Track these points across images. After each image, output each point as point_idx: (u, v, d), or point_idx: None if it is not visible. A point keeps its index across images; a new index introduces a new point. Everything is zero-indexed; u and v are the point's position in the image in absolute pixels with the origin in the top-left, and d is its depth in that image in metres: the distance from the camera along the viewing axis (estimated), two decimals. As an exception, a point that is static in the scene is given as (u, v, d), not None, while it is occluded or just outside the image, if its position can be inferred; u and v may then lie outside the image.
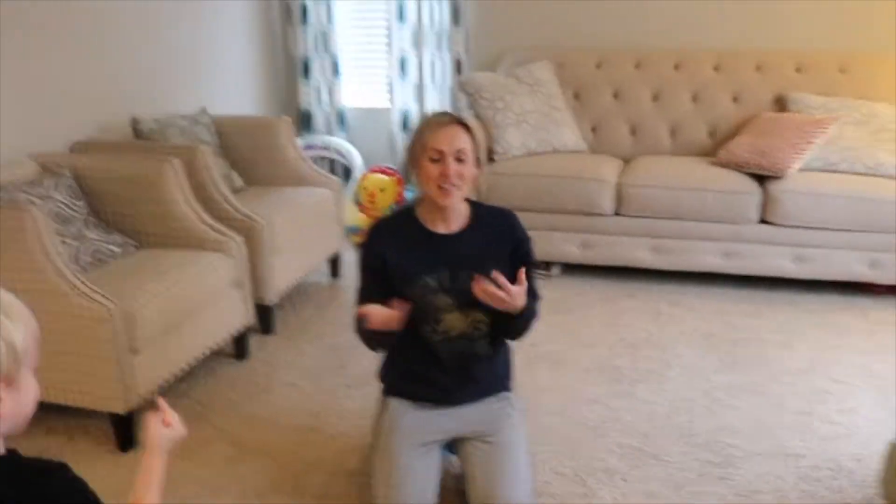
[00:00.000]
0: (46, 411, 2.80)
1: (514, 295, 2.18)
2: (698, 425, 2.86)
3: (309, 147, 5.01)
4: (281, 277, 3.65)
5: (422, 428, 2.39)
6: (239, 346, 3.44)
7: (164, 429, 1.57)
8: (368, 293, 2.38)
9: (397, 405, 2.45)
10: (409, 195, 4.98)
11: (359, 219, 4.67)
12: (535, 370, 3.28)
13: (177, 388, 3.20)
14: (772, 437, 2.78)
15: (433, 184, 2.24)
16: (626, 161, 4.33)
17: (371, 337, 2.28)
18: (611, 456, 2.70)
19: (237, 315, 3.33)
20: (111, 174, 3.27)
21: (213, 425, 2.96)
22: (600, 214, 4.04)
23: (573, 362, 3.35)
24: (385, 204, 4.57)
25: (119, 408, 2.74)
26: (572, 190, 4.01)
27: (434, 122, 2.28)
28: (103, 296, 2.68)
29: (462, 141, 2.24)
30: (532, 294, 2.45)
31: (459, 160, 2.23)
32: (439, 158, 2.22)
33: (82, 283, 2.69)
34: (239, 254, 3.29)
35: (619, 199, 4.00)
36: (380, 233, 2.38)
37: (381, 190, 4.56)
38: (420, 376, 2.42)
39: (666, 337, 3.56)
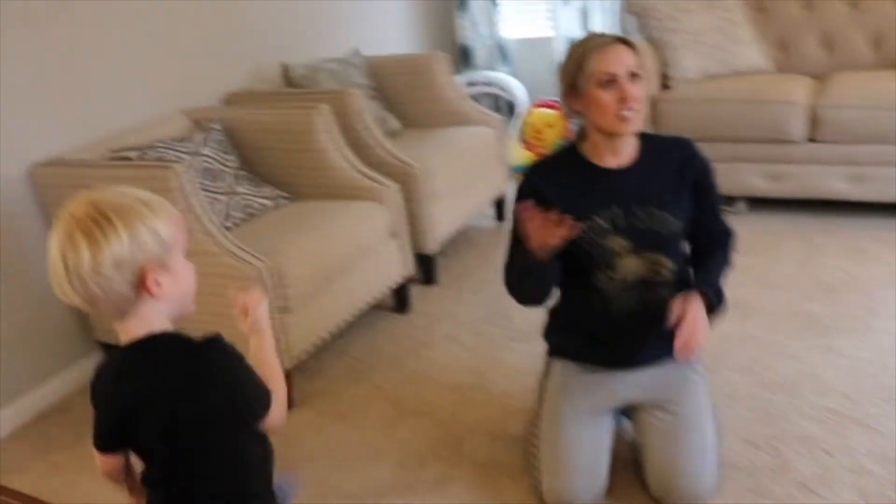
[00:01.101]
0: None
1: (694, 329, 1.95)
2: (916, 385, 2.47)
3: (470, 84, 4.77)
4: (441, 224, 3.48)
5: (592, 394, 2.17)
6: (399, 299, 3.31)
7: (257, 311, 1.61)
8: (518, 249, 2.16)
9: (564, 368, 2.24)
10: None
11: (525, 157, 4.41)
12: (720, 321, 2.95)
13: (335, 345, 3.12)
14: None
15: (611, 113, 1.97)
16: (819, 79, 3.83)
17: (522, 279, 2.08)
18: (808, 421, 2.37)
19: (395, 266, 3.19)
20: (260, 125, 3.18)
21: (373, 383, 2.85)
22: (791, 142, 3.59)
23: (761, 309, 3.00)
24: (553, 140, 4.29)
25: (277, 369, 2.67)
26: (758, 115, 3.58)
27: (594, 44, 1.99)
28: (252, 254, 2.59)
29: (631, 58, 1.97)
30: (723, 238, 2.20)
31: (634, 80, 1.96)
32: (612, 82, 1.95)
33: (230, 241, 2.61)
34: (395, 201, 3.13)
35: (813, 123, 3.54)
36: (537, 174, 2.14)
37: (549, 125, 4.27)
38: (590, 335, 2.18)
39: (870, 279, 3.13)
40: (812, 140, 3.57)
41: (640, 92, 1.96)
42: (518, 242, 2.13)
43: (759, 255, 3.42)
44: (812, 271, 3.23)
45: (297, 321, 2.69)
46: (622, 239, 2.05)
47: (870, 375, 2.54)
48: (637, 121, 1.99)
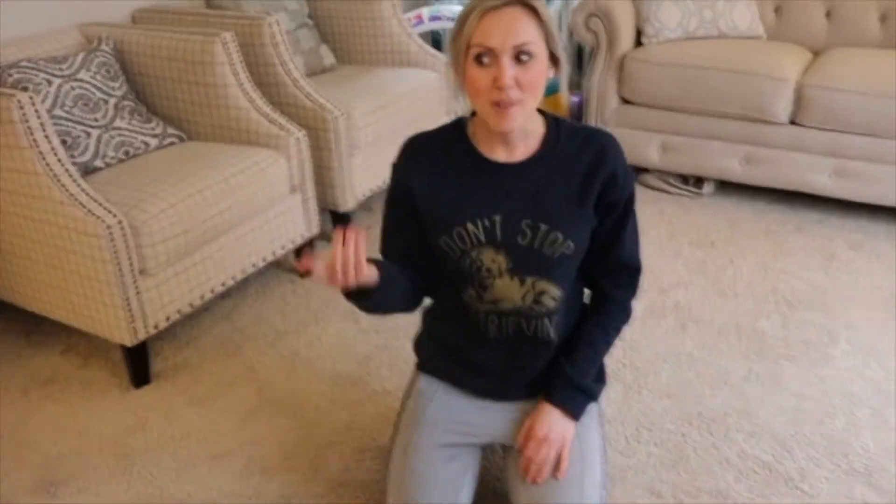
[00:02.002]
0: (66, 330, 2.44)
1: (541, 464, 1.68)
2: (864, 441, 2.07)
3: (432, 18, 4.26)
4: (362, 179, 3.04)
5: (452, 423, 1.78)
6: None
7: None
8: (391, 237, 1.75)
9: (426, 387, 1.84)
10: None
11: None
12: (654, 328, 2.55)
13: (219, 307, 2.75)
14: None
15: (483, 99, 1.50)
16: (816, 53, 3.36)
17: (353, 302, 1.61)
18: (728, 472, 1.98)
19: (296, 225, 2.77)
20: (154, 50, 2.72)
21: (245, 362, 2.47)
22: (772, 122, 3.13)
23: (705, 320, 2.59)
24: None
25: (125, 339, 2.29)
26: (738, 88, 3.11)
27: (484, 6, 1.49)
28: (103, 206, 2.18)
29: (523, 30, 1.46)
30: (623, 280, 1.77)
31: (520, 59, 1.47)
32: (489, 59, 1.48)
33: (80, 189, 2.20)
34: (298, 151, 2.70)
35: (799, 103, 3.07)
36: (412, 154, 1.69)
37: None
38: (459, 356, 1.78)
39: (837, 294, 2.70)
40: (795, 123, 3.11)
41: (526, 76, 1.47)
42: (394, 233, 1.74)
43: (717, 249, 3.00)
44: (773, 278, 2.81)
45: (156, 285, 2.31)
46: (498, 255, 1.62)
47: (812, 421, 2.14)
48: (519, 115, 1.51)
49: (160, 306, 2.33)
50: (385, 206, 1.75)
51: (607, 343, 1.77)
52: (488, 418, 1.79)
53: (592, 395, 1.75)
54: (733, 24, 3.39)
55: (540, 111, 1.66)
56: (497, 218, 1.61)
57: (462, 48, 1.51)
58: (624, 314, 1.78)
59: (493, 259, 1.62)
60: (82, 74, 2.57)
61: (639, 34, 3.42)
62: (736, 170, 3.26)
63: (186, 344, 2.57)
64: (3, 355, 2.54)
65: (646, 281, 2.72)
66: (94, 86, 2.58)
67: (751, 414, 2.18)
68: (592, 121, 3.46)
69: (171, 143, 2.69)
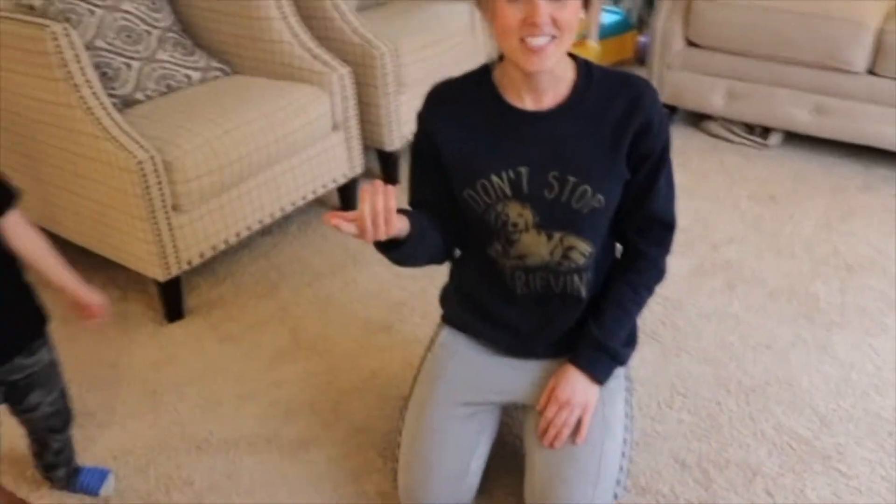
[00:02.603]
0: (108, 263, 2.45)
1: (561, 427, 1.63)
2: (910, 419, 1.96)
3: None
4: (409, 119, 2.94)
5: (474, 382, 1.73)
6: (346, 201, 2.87)
7: None
8: (418, 188, 1.68)
9: (449, 341, 1.79)
10: (609, 17, 4.03)
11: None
12: (700, 286, 2.44)
13: (258, 245, 2.73)
14: None
15: (513, 37, 1.39)
16: (907, -2, 3.11)
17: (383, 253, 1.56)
18: (761, 445, 1.89)
19: (339, 164, 2.72)
20: (202, -20, 2.68)
21: (279, 302, 2.46)
22: (847, 71, 2.92)
23: (757, 281, 2.46)
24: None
25: (158, 274, 2.29)
26: (812, 32, 2.90)
27: None
28: (136, 141, 2.16)
29: None
30: (655, 237, 1.65)
31: None
32: None
33: (114, 122, 2.18)
34: (342, 88, 2.63)
35: (878, 50, 2.85)
36: (437, 103, 1.61)
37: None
38: (485, 310, 1.71)
39: (903, 259, 2.55)
40: (873, 72, 2.90)
41: (562, 13, 1.37)
42: (421, 184, 1.68)
43: (776, 206, 2.84)
44: (835, 239, 2.65)
45: (190, 221, 2.29)
46: (524, 209, 1.54)
47: (857, 394, 2.02)
48: (553, 54, 1.41)
49: (194, 242, 2.32)
50: (411, 156, 1.68)
51: (638, 303, 1.67)
52: (510, 377, 1.73)
53: (620, 360, 1.67)
54: (815, -38, 3.15)
55: (570, 55, 1.56)
56: (523, 170, 1.53)
57: None
58: (656, 272, 1.68)
59: (519, 213, 1.54)
60: (126, 5, 2.53)
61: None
62: (805, 120, 3.07)
63: (223, 280, 2.57)
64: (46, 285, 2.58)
65: (697, 235, 2.66)
66: (138, 17, 2.54)
67: (793, 384, 2.07)
68: (656, 64, 3.29)
69: (215, 77, 2.65)
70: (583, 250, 1.58)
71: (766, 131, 3.21)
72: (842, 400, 2.01)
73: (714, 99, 3.21)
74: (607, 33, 3.90)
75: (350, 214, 1.36)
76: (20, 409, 1.66)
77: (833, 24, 2.87)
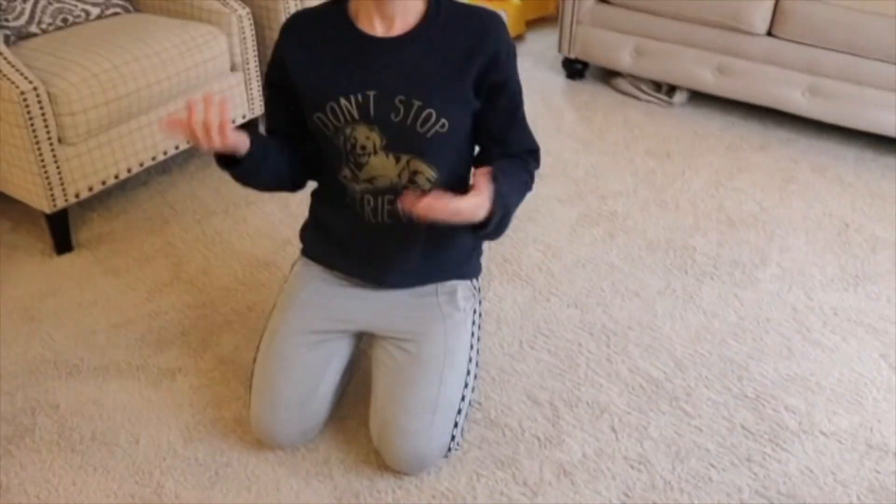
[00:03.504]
0: (2, 195, 2.46)
1: (463, 211, 1.44)
2: (764, 367, 2.02)
3: None
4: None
5: (322, 309, 1.78)
6: (245, 142, 2.88)
7: None
8: (272, 115, 1.74)
9: (303, 272, 1.85)
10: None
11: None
12: (582, 235, 2.50)
13: (157, 182, 2.76)
14: (858, 414, 1.90)
15: None
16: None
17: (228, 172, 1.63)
18: (614, 385, 1.96)
19: (237, 104, 2.74)
20: (102, -89, 2.66)
21: (167, 238, 2.49)
22: (748, 32, 2.97)
23: (637, 231, 2.53)
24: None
25: (44, 206, 2.31)
26: (716, -7, 2.96)
27: None
28: (20, 72, 2.17)
29: None
30: (521, 156, 1.69)
31: None
32: None
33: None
34: (240, 30, 2.64)
35: (778, 13, 2.90)
36: (291, 31, 1.65)
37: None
38: (338, 238, 1.78)
39: (785, 217, 2.61)
40: (772, 34, 2.95)
41: None
42: (276, 111, 1.72)
43: (670, 162, 2.90)
44: (722, 195, 2.71)
45: (77, 155, 2.31)
46: (372, 132, 1.59)
47: (715, 341, 2.10)
48: None
49: (81, 176, 2.34)
50: (264, 84, 1.73)
51: (522, 182, 1.65)
52: (358, 307, 1.79)
53: (505, 213, 1.55)
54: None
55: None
56: (371, 94, 1.57)
57: None
58: (531, 177, 1.70)
59: (367, 136, 1.59)
60: (23, -66, 2.52)
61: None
62: (708, 80, 3.12)
63: (117, 216, 2.59)
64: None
65: (587, 187, 2.72)
66: (35, -53, 2.53)
67: (654, 329, 2.14)
68: (567, 19, 3.33)
69: (114, 14, 2.65)
70: (428, 175, 1.63)
71: (672, 90, 3.27)
72: (699, 346, 2.09)
73: (622, 56, 3.25)
74: (531, -11, 3.94)
75: (185, 121, 1.41)
76: None
77: (735, -15, 2.91)
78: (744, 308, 2.22)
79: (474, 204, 1.45)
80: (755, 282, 2.32)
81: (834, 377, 1.98)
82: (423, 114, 1.56)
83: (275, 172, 1.66)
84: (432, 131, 1.58)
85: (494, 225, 1.52)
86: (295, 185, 1.77)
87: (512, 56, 1.62)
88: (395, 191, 1.65)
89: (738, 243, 2.48)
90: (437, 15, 1.58)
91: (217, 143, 1.44)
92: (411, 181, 1.64)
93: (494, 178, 1.49)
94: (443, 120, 1.57)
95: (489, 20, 1.60)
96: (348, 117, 1.58)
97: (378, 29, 1.57)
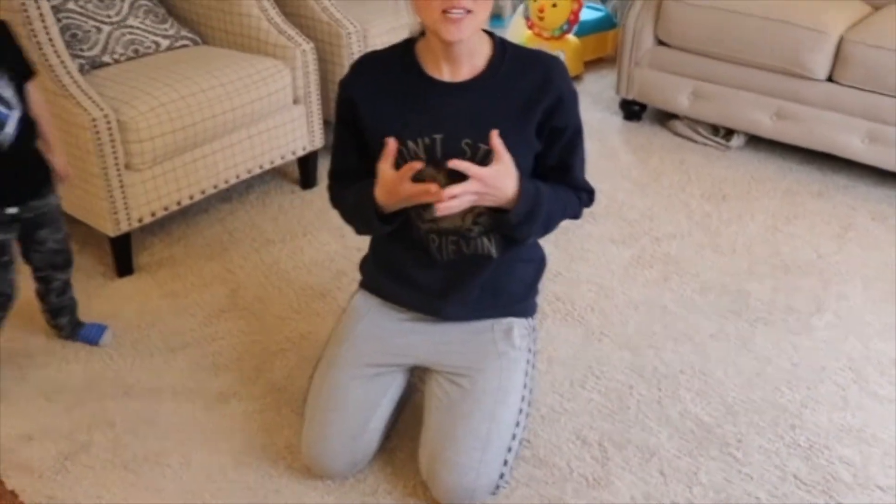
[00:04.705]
0: (69, 216, 2.53)
1: (488, 181, 1.51)
2: (817, 417, 1.99)
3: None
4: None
5: (379, 343, 1.81)
6: (304, 173, 2.94)
7: None
8: (342, 155, 1.77)
9: (361, 304, 1.88)
10: (593, 13, 4.08)
11: (524, 37, 3.87)
12: (635, 276, 2.50)
13: (217, 210, 2.82)
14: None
15: (434, 9, 1.49)
16: (877, 8, 3.13)
17: (355, 214, 1.70)
18: (664, 429, 1.95)
19: (299, 136, 2.80)
20: (177, -50, 2.77)
21: (226, 264, 2.54)
22: (808, 78, 2.95)
23: (691, 274, 2.51)
24: (555, 23, 3.72)
25: (109, 229, 2.38)
26: (775, 37, 2.94)
27: None
28: (92, 100, 2.25)
29: None
30: (575, 190, 1.73)
31: None
32: None
33: (73, 82, 2.27)
34: (304, 63, 2.71)
35: (839, 59, 2.89)
36: (360, 72, 1.69)
37: (553, 5, 3.68)
38: (399, 272, 1.80)
39: (842, 264, 2.57)
40: (832, 80, 2.93)
41: None
42: (345, 152, 1.75)
43: (730, 203, 2.89)
44: (778, 241, 2.69)
45: (142, 181, 2.38)
46: (438, 174, 1.60)
47: (768, 388, 2.07)
48: (469, 25, 1.50)
49: (145, 201, 2.41)
50: (334, 123, 1.76)
51: (566, 199, 1.70)
52: (417, 340, 1.81)
53: (536, 215, 1.61)
54: (788, -31, 3.18)
55: (488, 33, 1.65)
56: (438, 137, 1.61)
57: None
58: (579, 204, 1.76)
59: (433, 178, 1.61)
60: (101, -31, 2.62)
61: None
62: (766, 124, 3.10)
63: (177, 241, 2.65)
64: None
65: (642, 229, 2.72)
66: (112, -19, 2.64)
67: (707, 373, 2.12)
68: (626, 61, 3.35)
69: (183, 46, 2.73)
70: (492, 215, 1.65)
71: (729, 133, 3.25)
72: (751, 392, 2.06)
73: (680, 98, 3.26)
74: (589, 29, 3.96)
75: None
76: (32, 242, 2.00)
77: (795, 31, 2.90)
78: (798, 355, 2.19)
79: (496, 171, 1.52)
80: (810, 329, 2.29)
81: (890, 430, 1.94)
82: (489, 157, 1.58)
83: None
84: None
85: (524, 214, 1.57)
86: None
87: (574, 100, 1.65)
88: (459, 232, 1.68)
89: (793, 289, 2.45)
90: (502, 60, 1.62)
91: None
92: (475, 223, 1.67)
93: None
94: None
95: (552, 65, 1.64)
96: (415, 159, 1.60)
97: (445, 73, 1.61)
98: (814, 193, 2.97)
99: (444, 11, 1.48)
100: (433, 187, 1.48)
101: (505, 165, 1.52)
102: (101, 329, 2.21)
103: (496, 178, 1.52)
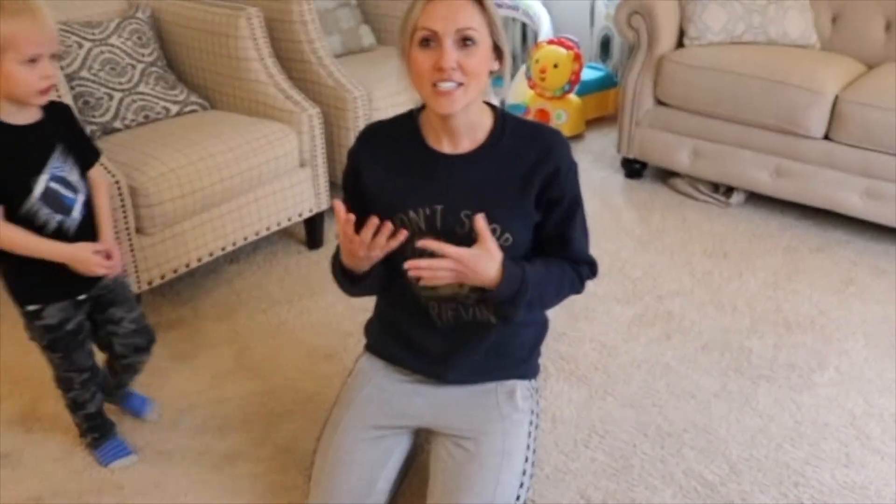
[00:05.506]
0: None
1: (466, 262, 1.52)
2: (821, 474, 1.99)
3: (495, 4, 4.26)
4: (381, 159, 3.10)
5: (384, 405, 1.83)
6: (311, 233, 3.00)
7: None
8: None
9: (366, 367, 1.91)
10: (594, 73, 4.16)
11: (526, 96, 3.95)
12: (638, 335, 2.52)
13: (225, 271, 2.86)
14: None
15: (426, 81, 1.54)
16: (871, 67, 3.20)
17: (346, 277, 1.71)
18: (668, 488, 1.96)
19: (305, 198, 2.86)
20: (188, 21, 2.85)
21: (234, 326, 2.58)
22: (805, 136, 3.01)
23: (694, 332, 2.53)
24: (556, 84, 3.80)
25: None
26: (773, 97, 3.00)
27: None
28: (104, 166, 2.29)
29: (467, 16, 1.51)
30: (572, 263, 1.74)
31: (464, 44, 1.52)
32: (432, 42, 1.52)
33: (87, 148, 2.33)
34: (310, 128, 2.77)
35: (835, 118, 2.94)
36: (366, 141, 1.74)
37: (555, 66, 3.77)
38: (403, 336, 1.83)
39: (843, 320, 2.60)
40: (829, 138, 2.98)
41: (469, 61, 1.51)
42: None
43: (727, 262, 2.92)
44: (779, 297, 2.72)
45: (152, 244, 2.43)
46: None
47: (771, 446, 2.08)
48: (461, 98, 1.54)
49: (155, 264, 2.45)
50: (342, 190, 1.81)
51: (560, 278, 1.70)
52: (421, 403, 1.83)
53: (523, 294, 1.61)
54: (784, 31, 3.26)
55: (490, 106, 1.69)
56: (438, 207, 1.65)
57: (408, 33, 1.55)
58: (580, 280, 1.76)
59: (421, 251, 1.65)
60: (113, 40, 2.70)
61: (682, 35, 3.33)
62: (765, 182, 3.15)
63: (185, 303, 2.69)
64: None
65: (645, 287, 2.75)
66: (124, 51, 2.71)
67: (710, 431, 2.14)
68: (626, 120, 3.41)
69: (192, 111, 2.80)
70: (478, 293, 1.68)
71: (729, 190, 3.30)
72: (755, 450, 2.07)
73: (680, 157, 3.31)
74: (591, 88, 4.04)
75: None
76: (106, 323, 1.97)
77: (792, 91, 2.97)
78: (801, 412, 2.20)
79: (474, 255, 1.53)
80: (812, 386, 2.30)
81: (893, 487, 1.95)
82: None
83: (377, 278, 1.72)
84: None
85: (506, 296, 1.59)
86: (383, 289, 1.82)
87: (573, 172, 1.68)
88: (457, 299, 1.72)
89: (795, 346, 2.47)
90: (503, 132, 1.66)
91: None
92: (473, 290, 1.70)
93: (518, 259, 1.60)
94: (507, 235, 1.63)
95: (552, 138, 1.67)
96: (416, 229, 1.65)
97: (445, 146, 1.66)
98: (813, 249, 3.01)
99: (434, 85, 1.53)
100: (374, 220, 1.51)
101: (486, 250, 1.54)
102: (147, 402, 2.20)
103: (473, 261, 1.53)
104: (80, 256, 1.76)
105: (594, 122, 4.19)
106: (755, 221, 3.21)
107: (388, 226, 1.53)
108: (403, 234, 1.55)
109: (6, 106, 1.68)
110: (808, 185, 3.06)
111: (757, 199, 3.33)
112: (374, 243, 1.54)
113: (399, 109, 3.04)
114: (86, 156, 1.85)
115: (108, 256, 1.82)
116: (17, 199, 1.70)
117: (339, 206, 1.55)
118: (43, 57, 1.64)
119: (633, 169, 3.56)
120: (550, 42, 3.86)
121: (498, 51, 1.60)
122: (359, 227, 1.74)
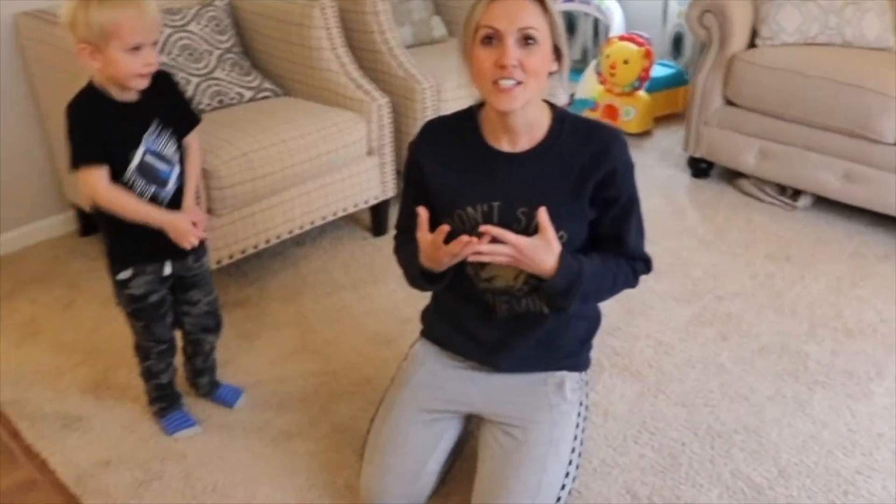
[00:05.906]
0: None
1: (524, 251, 1.58)
2: (872, 484, 1.98)
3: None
4: (448, 150, 3.15)
5: (437, 390, 1.89)
6: (376, 220, 3.06)
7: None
8: (407, 212, 1.86)
9: (420, 352, 1.97)
10: (665, 70, 4.14)
11: (596, 91, 3.95)
12: (695, 335, 2.53)
13: (291, 253, 2.95)
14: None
15: (487, 78, 1.58)
16: (950, 72, 3.12)
17: (424, 278, 1.77)
18: (714, 488, 1.97)
19: (371, 186, 2.93)
20: (265, 10, 2.94)
21: (299, 308, 2.66)
22: (876, 141, 2.95)
23: (751, 335, 2.53)
24: (626, 80, 3.79)
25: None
26: (844, 100, 2.95)
27: None
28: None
29: (529, 15, 1.56)
30: (628, 259, 1.78)
31: (526, 43, 1.56)
32: (494, 40, 1.57)
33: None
34: (379, 117, 2.84)
35: (906, 123, 2.89)
36: (428, 136, 1.81)
37: (625, 62, 3.76)
38: (459, 324, 1.89)
39: (905, 329, 2.57)
40: (901, 144, 2.93)
41: (529, 60, 1.56)
42: (410, 210, 1.84)
43: (789, 266, 2.90)
44: (841, 303, 2.69)
45: (221, 225, 2.52)
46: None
47: (823, 452, 2.08)
48: (520, 96, 1.58)
49: (224, 245, 2.55)
50: (403, 187, 1.87)
51: (616, 273, 1.75)
52: (472, 390, 1.88)
53: (577, 288, 1.66)
54: (861, 33, 3.20)
55: (550, 104, 1.73)
56: (496, 204, 1.69)
57: (471, 31, 1.60)
58: (634, 275, 1.81)
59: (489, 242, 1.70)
60: (192, 27, 2.80)
61: (755, 34, 3.30)
62: (834, 186, 3.11)
63: (252, 283, 2.79)
64: (91, 271, 2.87)
65: (705, 287, 2.75)
66: (202, 37, 2.81)
67: (761, 434, 2.14)
68: (694, 119, 3.40)
69: (265, 97, 2.89)
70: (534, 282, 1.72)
71: (796, 193, 3.26)
72: (805, 455, 2.07)
73: (747, 158, 3.28)
74: (660, 86, 4.01)
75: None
76: (183, 304, 2.08)
77: (865, 95, 2.92)
78: (855, 420, 2.19)
79: (533, 244, 1.58)
80: (869, 394, 2.28)
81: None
82: None
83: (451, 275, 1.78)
84: None
85: (561, 288, 1.64)
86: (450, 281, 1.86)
87: (629, 173, 1.71)
88: (510, 293, 1.76)
89: (854, 353, 2.45)
90: (561, 131, 1.69)
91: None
92: (526, 283, 1.74)
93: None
94: (562, 232, 1.67)
95: (611, 137, 1.70)
96: (473, 224, 1.69)
97: (504, 143, 1.70)
98: (881, 256, 2.96)
99: (495, 82, 1.57)
100: (464, 238, 1.56)
101: (546, 241, 1.60)
102: (237, 392, 2.27)
103: (531, 250, 1.59)
104: (178, 226, 1.87)
105: (663, 119, 4.16)
106: (821, 226, 3.17)
107: (464, 239, 1.57)
108: (447, 228, 1.60)
109: (110, 85, 1.78)
110: (878, 191, 3.00)
111: (825, 203, 3.29)
112: (448, 250, 1.60)
113: (467, 102, 3.12)
114: (185, 123, 1.95)
115: (195, 224, 1.91)
116: (118, 170, 1.81)
117: (423, 211, 1.63)
118: (145, 45, 1.72)
119: (700, 168, 3.54)
120: (622, 38, 3.85)
121: (557, 52, 1.63)
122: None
